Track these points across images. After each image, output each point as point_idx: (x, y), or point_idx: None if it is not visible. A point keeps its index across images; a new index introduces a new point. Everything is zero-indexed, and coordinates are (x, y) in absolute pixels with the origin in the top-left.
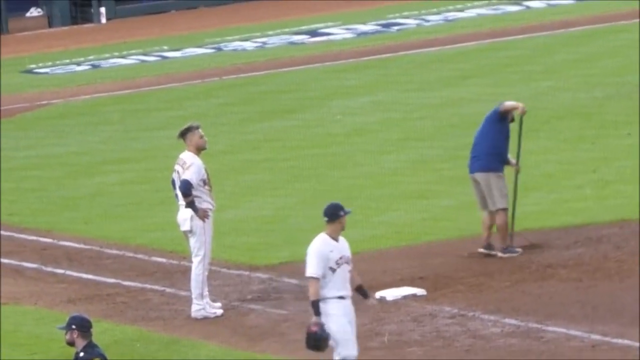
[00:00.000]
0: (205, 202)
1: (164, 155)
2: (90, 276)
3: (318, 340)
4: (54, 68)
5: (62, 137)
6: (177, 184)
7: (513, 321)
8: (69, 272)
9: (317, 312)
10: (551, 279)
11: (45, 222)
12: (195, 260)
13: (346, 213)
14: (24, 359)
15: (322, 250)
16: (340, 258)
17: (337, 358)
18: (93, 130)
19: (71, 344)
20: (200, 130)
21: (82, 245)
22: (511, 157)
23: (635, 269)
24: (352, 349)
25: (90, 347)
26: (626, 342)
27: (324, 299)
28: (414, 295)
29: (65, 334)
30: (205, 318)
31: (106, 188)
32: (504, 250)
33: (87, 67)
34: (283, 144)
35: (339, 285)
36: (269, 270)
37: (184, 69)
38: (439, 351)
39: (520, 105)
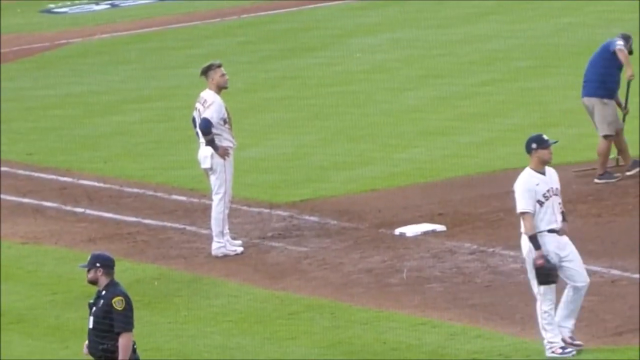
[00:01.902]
0: (225, 140)
1: (183, 94)
2: (110, 215)
3: (548, 274)
4: (72, 7)
5: (82, 76)
6: (198, 122)
7: None
8: (89, 211)
9: (538, 246)
10: (571, 214)
11: (64, 161)
12: (216, 198)
13: (542, 145)
14: (46, 298)
15: (527, 184)
16: (548, 191)
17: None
18: (112, 69)
19: (94, 282)
20: (222, 68)
21: (102, 184)
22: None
23: None
24: (579, 279)
25: (112, 286)
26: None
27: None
28: (434, 232)
29: (88, 272)
30: (226, 256)
31: (126, 127)
32: (600, 177)
33: (105, 6)
34: (303, 82)
35: (549, 218)
36: (289, 208)
37: (202, 7)
38: (459, 287)
39: (630, 70)
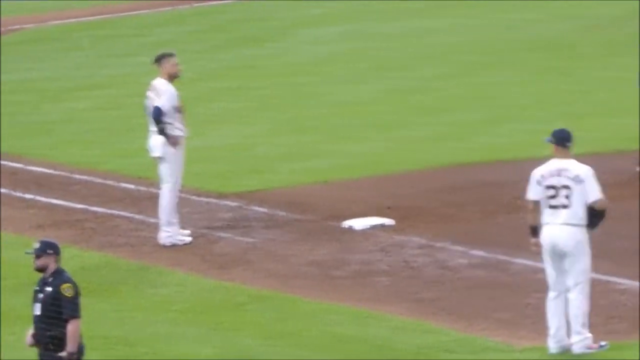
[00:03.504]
0: (177, 129)
1: (134, 82)
2: (59, 201)
3: None
4: None
5: (34, 62)
6: (150, 110)
7: (481, 252)
8: (38, 198)
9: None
10: (520, 211)
11: (15, 146)
12: (165, 187)
13: None
14: None
15: None
16: None
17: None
18: (65, 56)
19: (43, 269)
20: (174, 57)
21: (51, 171)
22: None
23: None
24: None
25: (59, 273)
26: (593, 275)
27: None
28: (383, 225)
29: (38, 258)
30: (174, 245)
31: (77, 114)
32: None
33: None
34: (253, 72)
35: None
36: (237, 198)
37: None
38: (407, 281)
39: None
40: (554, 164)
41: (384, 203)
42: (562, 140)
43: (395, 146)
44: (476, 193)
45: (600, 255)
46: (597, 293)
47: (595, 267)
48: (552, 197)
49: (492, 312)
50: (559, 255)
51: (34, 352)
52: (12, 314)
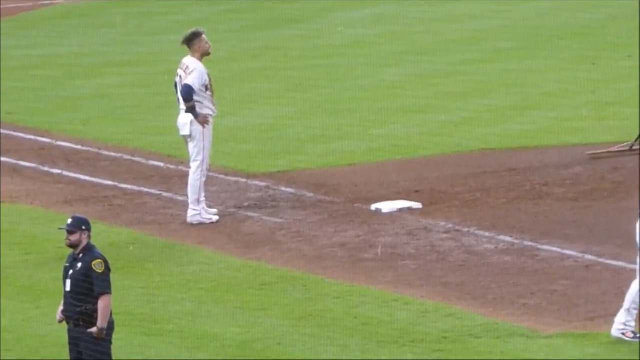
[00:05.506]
0: (206, 107)
1: (164, 59)
2: (87, 177)
3: None
4: None
5: (64, 37)
6: (179, 88)
7: (508, 238)
8: (66, 173)
9: None
10: (547, 197)
11: (43, 122)
12: (193, 166)
13: None
14: (19, 257)
15: None
16: None
17: None
18: (95, 32)
19: (75, 245)
20: (203, 35)
21: (79, 147)
22: None
23: (631, 190)
24: None
25: (89, 250)
26: (620, 263)
27: None
28: (410, 209)
29: (71, 234)
30: (201, 224)
31: (106, 90)
32: None
33: None
34: (284, 53)
35: None
36: (266, 178)
37: None
38: (433, 265)
39: None
40: None
41: (411, 187)
42: None
43: (423, 130)
44: (502, 179)
45: None
46: None
47: None
48: None
49: (518, 298)
50: None
51: (63, 327)
52: (38, 288)
